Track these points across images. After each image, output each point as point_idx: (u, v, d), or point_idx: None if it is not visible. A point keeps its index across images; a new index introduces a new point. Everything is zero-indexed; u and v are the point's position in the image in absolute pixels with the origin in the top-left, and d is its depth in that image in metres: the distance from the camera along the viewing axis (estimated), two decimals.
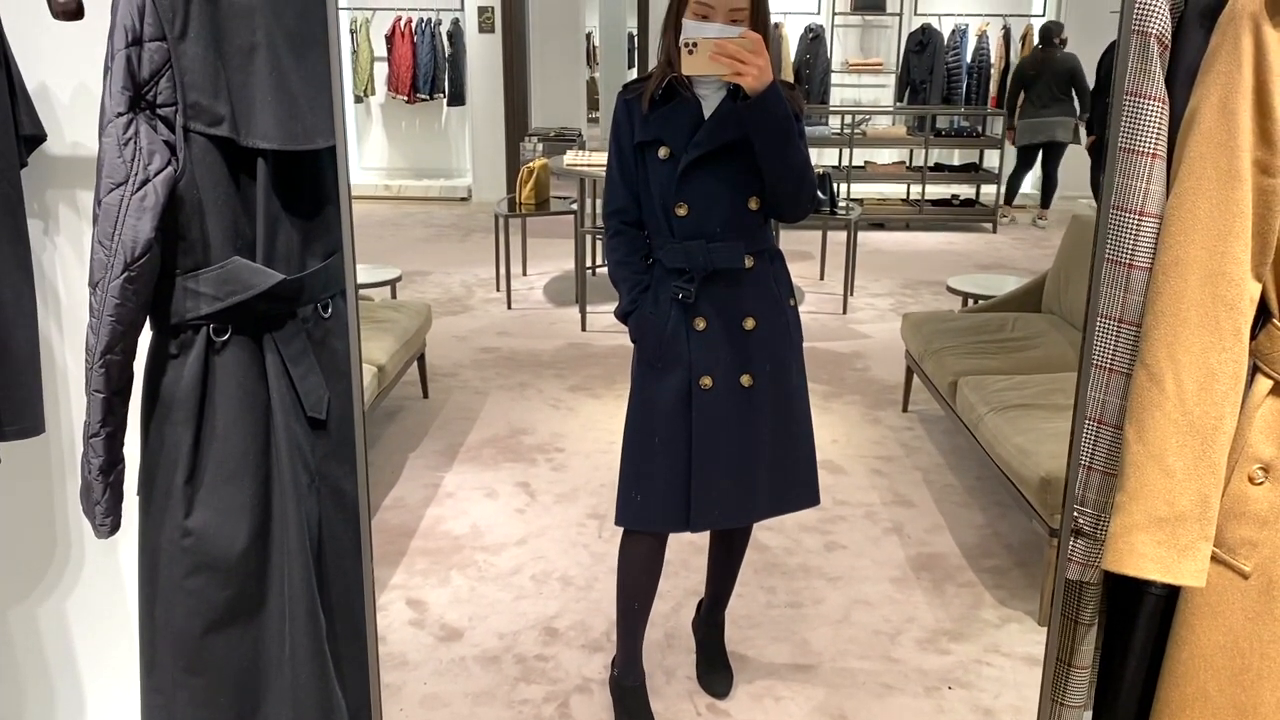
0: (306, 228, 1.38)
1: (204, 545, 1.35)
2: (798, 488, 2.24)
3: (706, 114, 2.01)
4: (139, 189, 1.22)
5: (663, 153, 2.02)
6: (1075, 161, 8.04)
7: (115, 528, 1.38)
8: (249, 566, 1.37)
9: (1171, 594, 1.29)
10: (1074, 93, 7.82)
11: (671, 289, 2.07)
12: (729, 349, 2.09)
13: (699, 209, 2.02)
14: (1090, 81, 7.71)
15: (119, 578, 1.87)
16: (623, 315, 2.15)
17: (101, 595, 1.90)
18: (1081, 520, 1.27)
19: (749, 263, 2.06)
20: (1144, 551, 1.16)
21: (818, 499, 2.27)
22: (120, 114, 1.23)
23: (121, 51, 1.23)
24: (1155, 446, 1.12)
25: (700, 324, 2.07)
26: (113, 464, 1.36)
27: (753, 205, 2.04)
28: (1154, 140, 1.15)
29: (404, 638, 2.68)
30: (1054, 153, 8.07)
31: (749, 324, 2.09)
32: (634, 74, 10.29)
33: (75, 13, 1.40)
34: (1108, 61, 6.11)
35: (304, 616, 1.39)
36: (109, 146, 1.23)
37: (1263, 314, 1.20)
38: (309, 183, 1.38)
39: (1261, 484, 1.19)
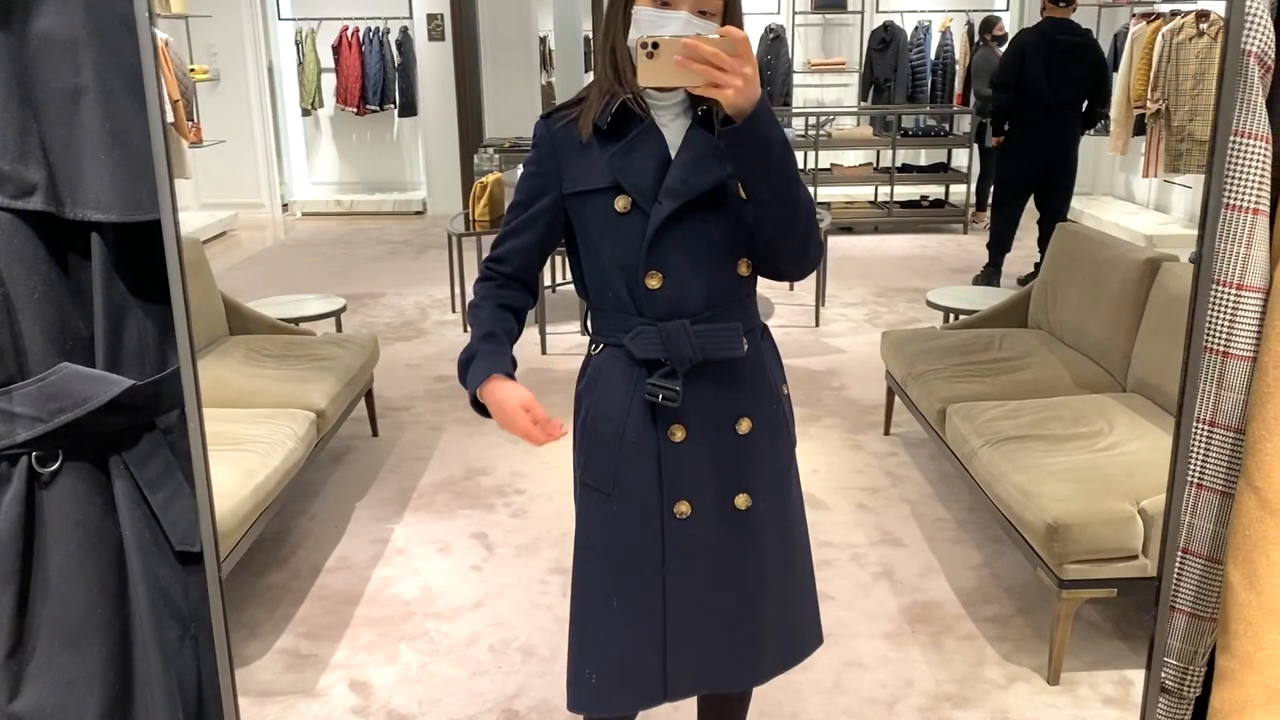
0: (165, 315, 1.08)
1: None
2: (804, 631, 1.77)
3: (670, 147, 1.51)
4: None
5: (621, 204, 1.51)
6: None
7: None
8: None
9: None
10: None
11: (645, 389, 1.55)
12: (718, 463, 1.60)
13: (677, 278, 1.52)
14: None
15: None
16: (465, 361, 1.55)
17: None
18: (1164, 674, 1.00)
19: (745, 347, 1.58)
20: None
21: (822, 637, 1.81)
22: None
23: None
24: (1273, 596, 0.86)
25: (678, 434, 1.57)
26: None
27: (743, 270, 1.56)
28: (1255, 192, 0.88)
29: None
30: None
31: (744, 427, 1.59)
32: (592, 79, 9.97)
33: None
34: (1005, 57, 5.97)
35: None
36: None
37: None
38: (165, 259, 1.08)
39: None
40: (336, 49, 9.03)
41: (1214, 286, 0.89)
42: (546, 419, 1.52)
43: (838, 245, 7.31)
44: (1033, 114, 5.79)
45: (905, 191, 8.17)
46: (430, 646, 2.69)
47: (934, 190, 8.30)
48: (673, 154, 1.52)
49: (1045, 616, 2.73)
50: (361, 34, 9.04)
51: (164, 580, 1.08)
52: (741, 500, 1.62)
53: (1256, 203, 0.89)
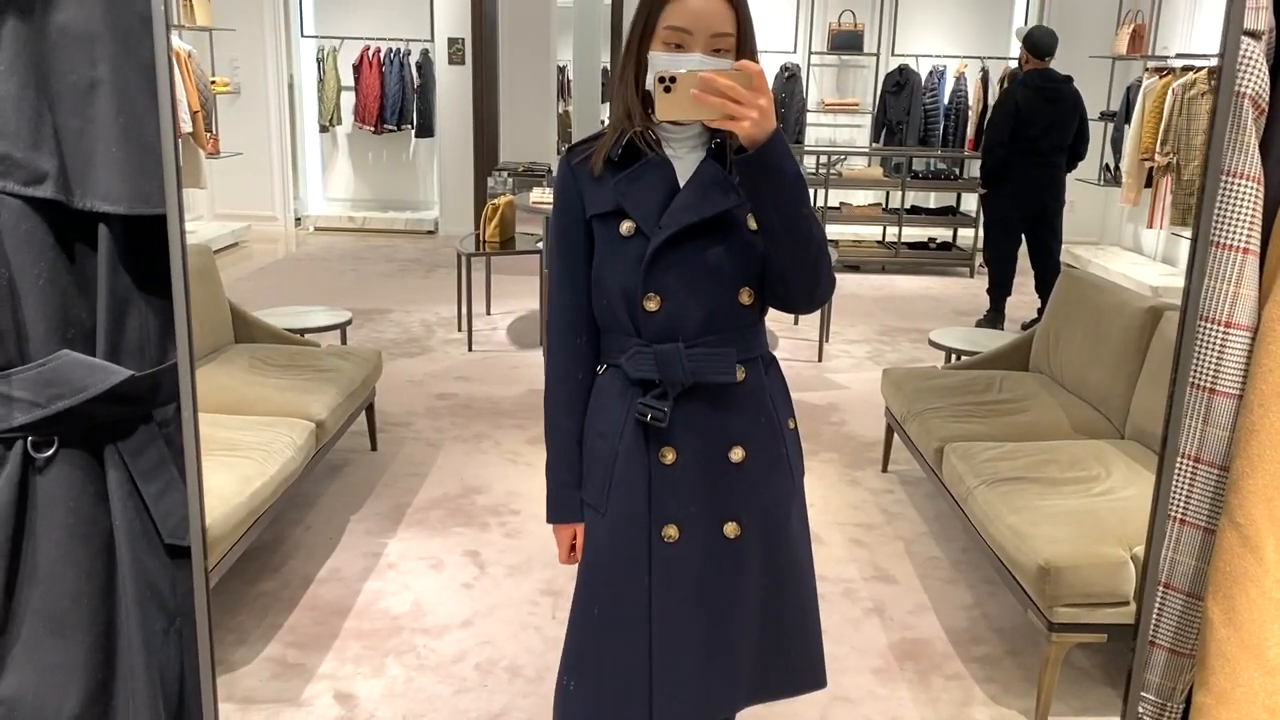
0: (167, 309, 1.09)
1: (19, 716, 1.06)
2: (797, 668, 1.74)
3: (682, 178, 1.55)
4: None
5: (625, 228, 1.54)
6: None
7: None
8: None
9: None
10: None
11: (636, 408, 1.57)
12: (707, 489, 1.61)
13: (675, 302, 1.55)
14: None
15: None
16: (554, 506, 1.69)
17: None
18: (1142, 709, 1.00)
19: (740, 374, 1.59)
20: None
21: (823, 680, 1.77)
22: None
23: None
24: (1251, 633, 0.86)
25: (668, 456, 1.59)
26: None
27: (744, 298, 1.57)
28: (1246, 231, 0.89)
29: None
30: None
31: (736, 455, 1.61)
32: (609, 108, 10.00)
33: None
34: (997, 117, 6.10)
35: None
36: None
37: None
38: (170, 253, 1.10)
39: None
40: (357, 68, 9.12)
41: (1202, 324, 0.90)
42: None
43: (844, 283, 7.33)
44: (1025, 160, 5.94)
45: (913, 233, 8.21)
46: (417, 662, 2.69)
47: (942, 233, 8.33)
48: (682, 184, 1.55)
49: (1034, 659, 2.71)
50: (383, 54, 9.14)
51: (152, 572, 1.09)
52: (731, 529, 1.63)
53: (1247, 242, 0.90)
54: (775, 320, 6.25)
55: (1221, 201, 0.90)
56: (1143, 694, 1.01)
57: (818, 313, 5.70)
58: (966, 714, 2.54)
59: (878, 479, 3.96)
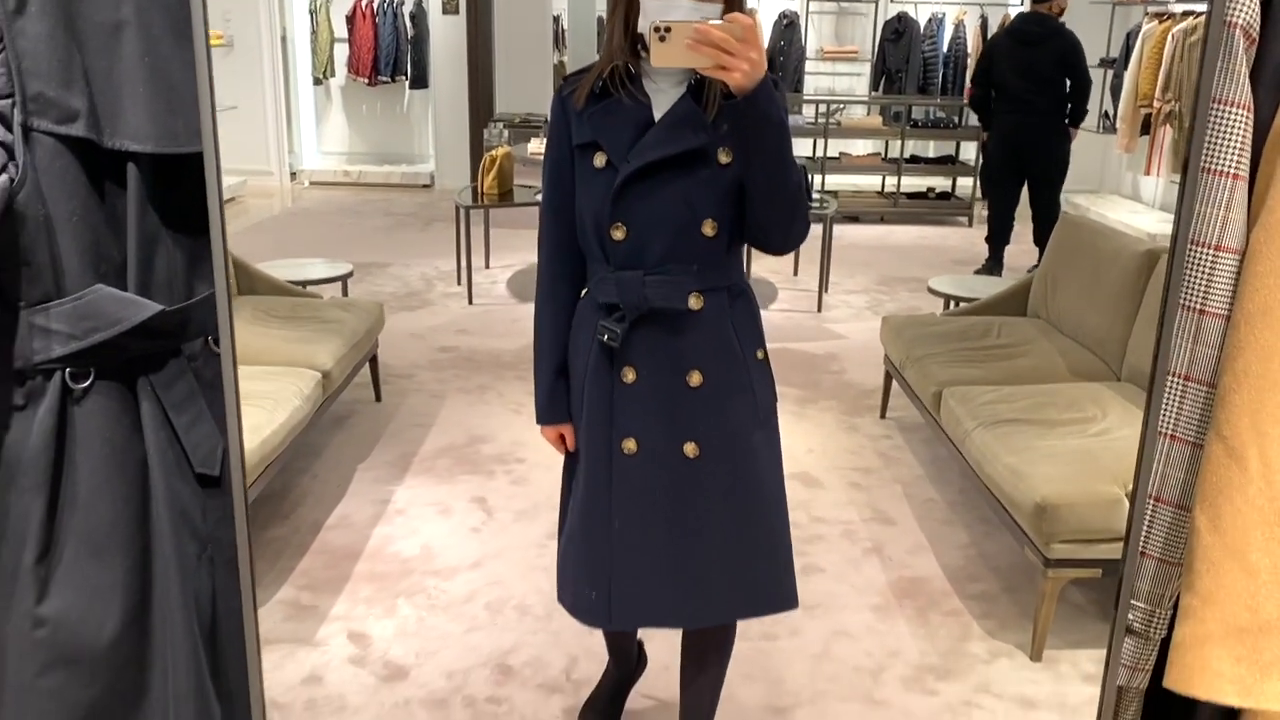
0: (194, 246, 1.13)
1: (62, 635, 1.11)
2: (765, 586, 1.83)
3: (657, 115, 1.64)
4: None
5: (598, 160, 1.65)
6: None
7: None
8: (122, 657, 1.13)
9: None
10: None
11: (597, 328, 1.71)
12: (665, 410, 1.73)
13: (639, 232, 1.65)
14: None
15: None
16: (541, 407, 1.85)
17: None
18: (1131, 616, 1.05)
19: (695, 303, 1.68)
20: (1219, 669, 0.94)
21: (793, 600, 1.86)
22: None
23: None
24: (1234, 538, 0.91)
25: (629, 375, 1.71)
26: None
27: (708, 230, 1.65)
28: (1235, 157, 0.93)
29: (343, 678, 2.45)
30: None
31: (694, 379, 1.71)
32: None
33: None
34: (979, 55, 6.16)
35: (192, 713, 1.16)
36: None
37: None
38: (196, 191, 1.13)
39: None
40: (350, 18, 9.04)
41: (1192, 247, 0.94)
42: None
43: (843, 234, 7.34)
44: (1003, 105, 5.91)
45: (912, 182, 8.20)
46: (428, 602, 2.75)
47: (941, 182, 8.33)
48: (658, 119, 1.65)
49: (1030, 596, 2.78)
50: (376, 4, 9.05)
51: (184, 500, 1.14)
52: (690, 448, 1.74)
53: (1236, 168, 0.94)
54: (775, 271, 6.28)
55: (1212, 128, 0.93)
56: (1133, 601, 1.06)
57: (817, 264, 5.72)
58: (964, 648, 2.61)
59: (876, 425, 4.02)
